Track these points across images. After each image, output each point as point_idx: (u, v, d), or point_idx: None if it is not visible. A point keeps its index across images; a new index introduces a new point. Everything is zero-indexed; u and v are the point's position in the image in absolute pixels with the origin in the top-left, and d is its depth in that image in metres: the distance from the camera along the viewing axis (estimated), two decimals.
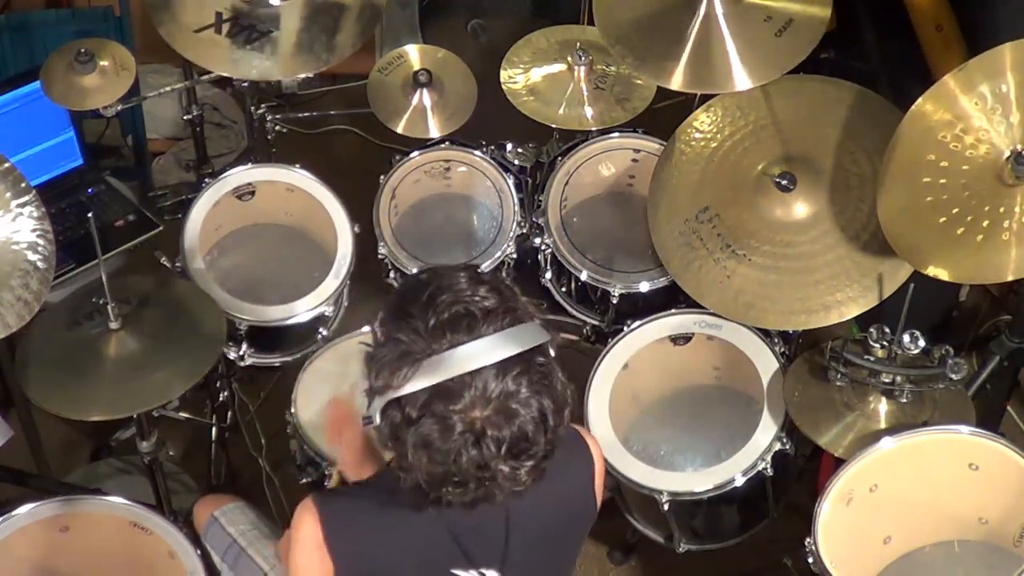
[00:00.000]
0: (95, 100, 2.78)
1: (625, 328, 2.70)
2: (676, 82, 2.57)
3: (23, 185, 2.20)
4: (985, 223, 2.22)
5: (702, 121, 2.76)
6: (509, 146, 3.02)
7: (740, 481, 2.49)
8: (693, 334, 2.68)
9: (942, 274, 2.29)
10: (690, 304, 2.67)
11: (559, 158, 2.94)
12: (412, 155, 2.97)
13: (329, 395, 2.57)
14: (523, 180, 2.98)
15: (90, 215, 2.33)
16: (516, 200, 2.90)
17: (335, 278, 2.77)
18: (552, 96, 2.93)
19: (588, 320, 2.89)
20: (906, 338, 2.36)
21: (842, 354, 2.42)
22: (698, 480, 2.52)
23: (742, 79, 2.55)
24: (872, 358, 2.41)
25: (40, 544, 2.32)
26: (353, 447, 2.06)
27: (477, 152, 2.96)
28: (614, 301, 2.80)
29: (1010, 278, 2.22)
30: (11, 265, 2.13)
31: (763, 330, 2.63)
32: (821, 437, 2.41)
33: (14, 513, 2.27)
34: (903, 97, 2.38)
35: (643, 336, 2.68)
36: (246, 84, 3.02)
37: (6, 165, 2.20)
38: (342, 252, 2.79)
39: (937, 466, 2.22)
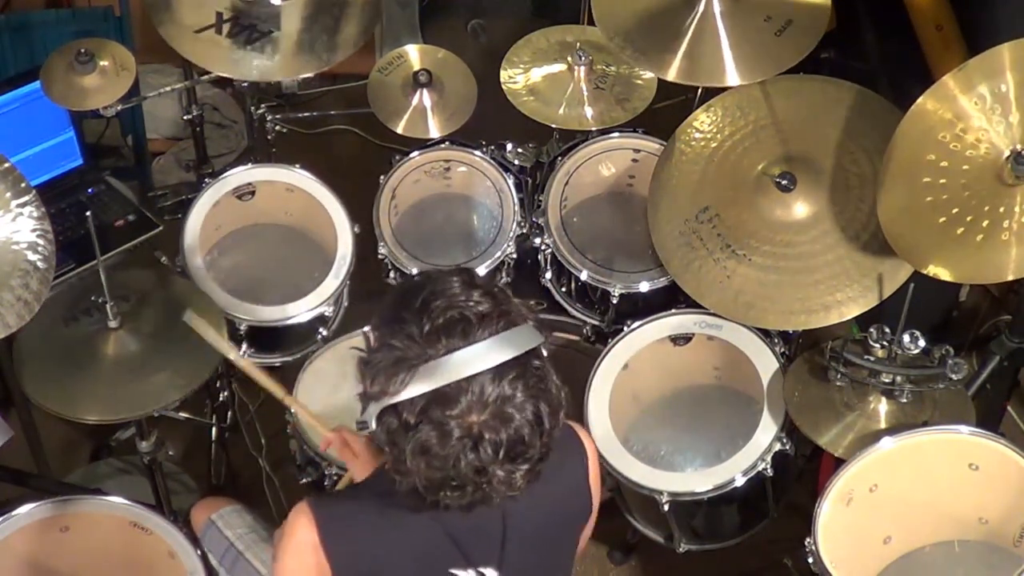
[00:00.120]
0: (95, 100, 2.78)
1: (625, 328, 2.70)
2: (672, 73, 2.60)
3: (23, 185, 2.20)
4: (985, 223, 2.22)
5: (702, 121, 2.76)
6: (509, 146, 3.02)
7: (740, 481, 2.49)
8: (693, 334, 2.68)
9: (942, 274, 2.29)
10: (690, 304, 2.67)
11: (559, 158, 2.94)
12: (412, 155, 2.97)
13: (329, 395, 2.57)
14: (523, 180, 2.98)
15: (89, 215, 2.33)
16: (516, 200, 2.90)
17: (335, 278, 2.77)
18: (552, 96, 2.93)
19: (588, 320, 2.89)
20: (906, 338, 2.36)
21: (842, 354, 2.42)
22: (698, 480, 2.52)
23: (737, 74, 2.58)
24: (872, 358, 2.40)
25: (40, 544, 2.32)
26: (366, 452, 2.06)
27: (477, 152, 2.96)
28: (614, 301, 2.80)
29: (1010, 278, 2.22)
30: (11, 265, 2.13)
31: (763, 330, 2.63)
32: (821, 437, 2.41)
33: (14, 513, 2.27)
34: (903, 97, 2.38)
35: (643, 336, 2.68)
36: (246, 84, 3.02)
37: (6, 165, 2.20)
38: (342, 252, 2.79)
39: (937, 466, 2.22)
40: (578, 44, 2.91)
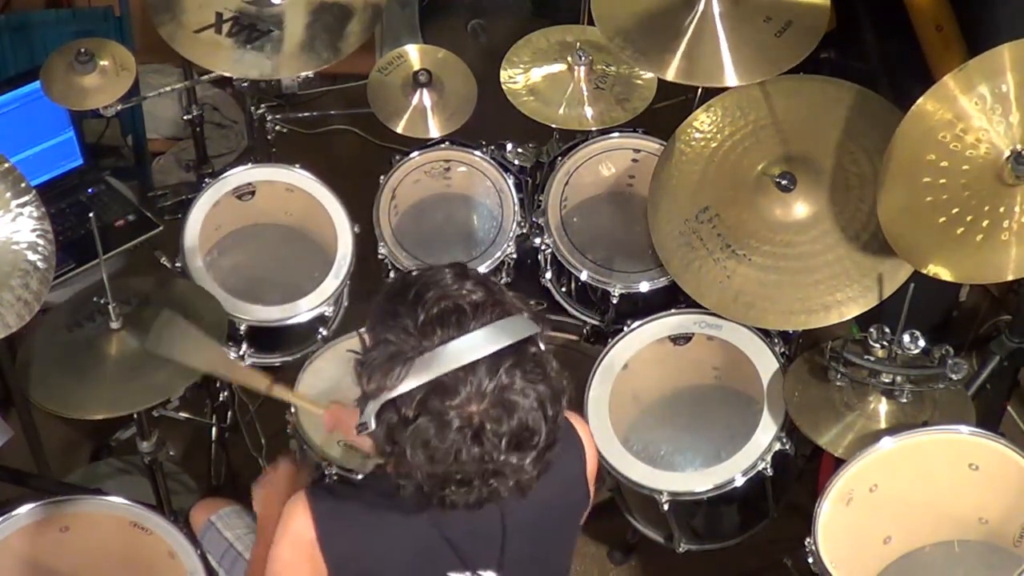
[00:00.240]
0: (95, 100, 2.78)
1: (625, 328, 2.70)
2: (671, 73, 2.60)
3: (23, 185, 2.20)
4: (985, 223, 2.22)
5: (702, 121, 2.76)
6: (509, 146, 3.02)
7: (740, 481, 2.49)
8: (693, 334, 2.68)
9: (942, 274, 2.29)
10: (690, 304, 2.67)
11: (559, 158, 2.94)
12: (412, 155, 2.97)
13: (329, 395, 2.57)
14: (523, 180, 2.98)
15: (91, 215, 2.33)
16: (516, 200, 2.90)
17: (335, 278, 2.77)
18: (552, 96, 2.93)
19: (588, 320, 2.89)
20: (906, 338, 2.36)
21: (842, 354, 2.42)
22: (698, 480, 2.52)
23: (736, 74, 2.58)
24: (872, 358, 2.40)
25: (40, 544, 2.32)
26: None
27: (477, 152, 2.96)
28: (614, 301, 2.80)
29: (1010, 278, 2.22)
30: (11, 265, 2.13)
31: (763, 330, 2.63)
32: (821, 437, 2.41)
33: (14, 513, 2.27)
34: (903, 97, 2.38)
35: (643, 336, 2.68)
36: (246, 84, 3.02)
37: (6, 165, 2.20)
38: (342, 252, 2.79)
39: (937, 466, 2.22)
40: (578, 44, 2.91)
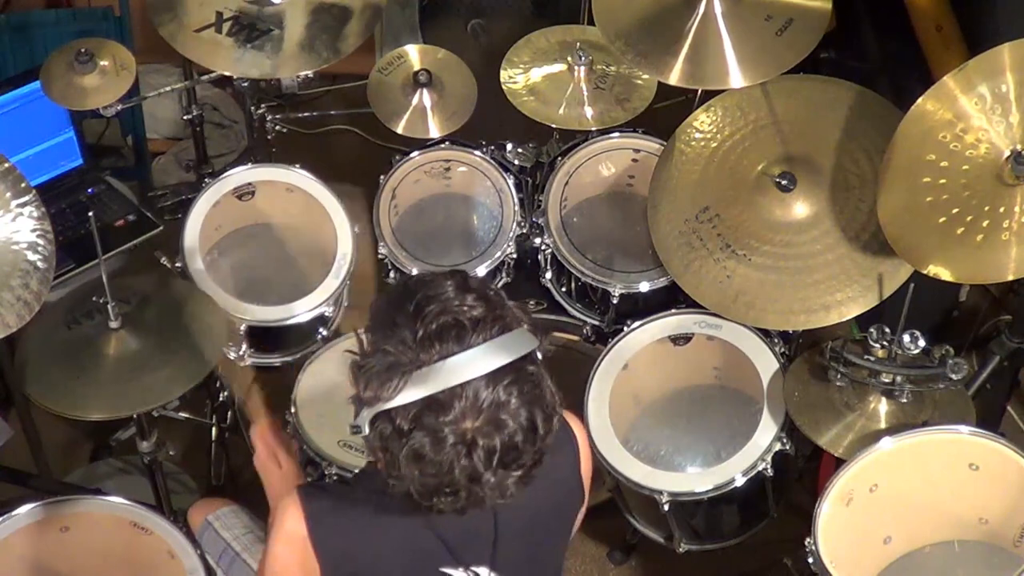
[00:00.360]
0: (95, 100, 2.79)
1: (625, 328, 2.70)
2: (674, 77, 2.59)
3: (23, 185, 2.19)
4: (985, 223, 2.22)
5: (702, 121, 2.76)
6: (509, 146, 3.02)
7: (740, 481, 2.49)
8: (693, 334, 2.68)
9: (942, 274, 2.29)
10: (690, 304, 2.67)
11: (559, 158, 2.94)
12: (412, 155, 2.97)
13: (328, 395, 2.57)
14: (523, 180, 2.98)
15: (91, 215, 2.33)
16: (516, 200, 2.90)
17: (335, 278, 2.77)
18: (552, 96, 2.93)
19: (588, 320, 2.89)
20: (906, 338, 2.36)
21: (842, 354, 2.42)
22: (698, 480, 2.52)
23: (740, 76, 2.57)
24: (872, 358, 2.40)
25: (40, 544, 2.32)
26: (291, 470, 2.08)
27: (477, 152, 2.96)
28: (614, 301, 2.80)
29: (1010, 278, 2.22)
30: (11, 265, 2.13)
31: (763, 330, 2.63)
32: (821, 437, 2.41)
33: (14, 513, 2.26)
34: (903, 97, 2.38)
35: (643, 336, 2.68)
36: (246, 84, 3.02)
37: (6, 165, 2.20)
38: (342, 252, 2.79)
39: (937, 466, 2.22)
40: (578, 44, 2.91)
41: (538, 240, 2.87)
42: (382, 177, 2.94)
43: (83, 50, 2.76)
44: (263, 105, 3.21)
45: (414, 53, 3.01)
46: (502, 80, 2.95)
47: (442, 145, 2.97)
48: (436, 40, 3.41)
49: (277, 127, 3.29)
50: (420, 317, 1.55)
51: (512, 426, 1.55)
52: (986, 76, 2.23)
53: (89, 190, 3.17)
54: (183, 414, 2.87)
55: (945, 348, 2.36)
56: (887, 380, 2.40)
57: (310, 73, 2.89)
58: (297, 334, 2.81)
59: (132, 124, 3.62)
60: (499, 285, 2.91)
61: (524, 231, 2.90)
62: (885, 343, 2.40)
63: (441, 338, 1.54)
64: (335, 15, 2.87)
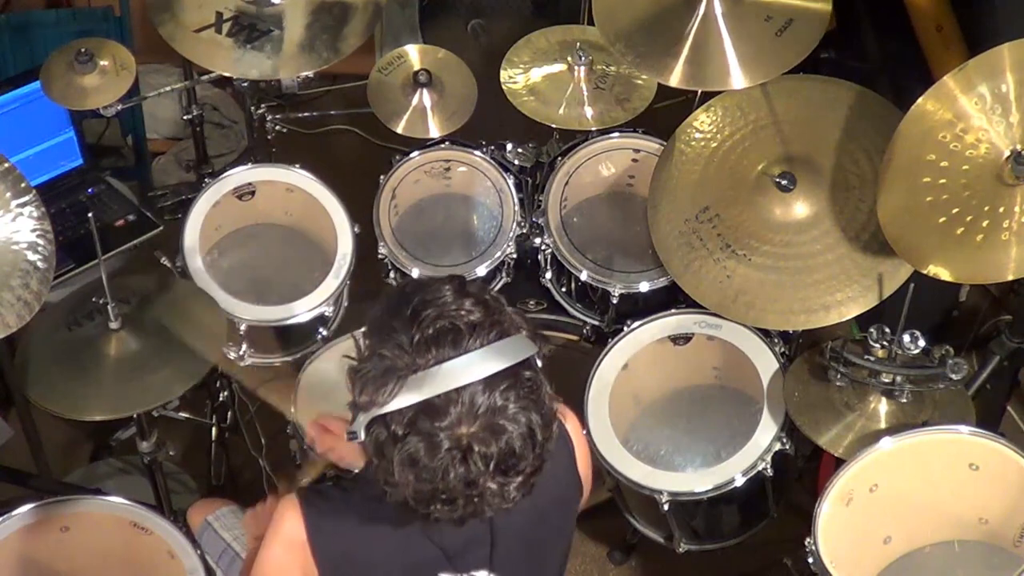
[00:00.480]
0: (95, 100, 2.79)
1: (625, 328, 2.70)
2: (675, 79, 2.59)
3: (23, 185, 2.19)
4: (985, 223, 2.22)
5: (702, 121, 2.76)
6: (509, 146, 3.02)
7: (740, 481, 2.49)
8: (693, 334, 2.68)
9: (942, 274, 2.29)
10: (690, 304, 2.67)
11: (559, 158, 2.94)
12: (412, 155, 2.97)
13: (328, 395, 2.57)
14: (523, 180, 2.98)
15: (90, 215, 2.33)
16: (516, 200, 2.90)
17: (335, 278, 2.77)
18: (552, 96, 2.93)
19: (588, 320, 2.89)
20: (906, 338, 2.36)
21: (842, 354, 2.42)
22: (698, 480, 2.52)
23: (741, 77, 2.57)
24: (872, 358, 2.40)
25: (40, 544, 2.32)
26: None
27: (477, 152, 2.95)
28: (614, 301, 2.80)
29: (1010, 278, 2.22)
30: (11, 265, 2.13)
31: (763, 330, 2.63)
32: (821, 437, 2.41)
33: (14, 513, 2.26)
34: (903, 97, 2.38)
35: (643, 336, 2.68)
36: (246, 84, 3.02)
37: (6, 165, 2.20)
38: (342, 252, 2.79)
39: (937, 466, 2.22)
40: (578, 44, 2.91)
41: (538, 240, 2.87)
42: (382, 177, 2.94)
43: (83, 50, 2.76)
44: (263, 105, 3.21)
45: (414, 53, 3.01)
46: (502, 80, 2.95)
47: (442, 145, 2.97)
48: (436, 40, 3.41)
49: (277, 127, 3.29)
50: (417, 322, 1.54)
51: (510, 432, 1.53)
52: (986, 76, 2.23)
53: (89, 190, 3.17)
54: (183, 414, 2.87)
55: (945, 348, 2.36)
56: (887, 380, 2.40)
57: (310, 73, 2.89)
58: (297, 334, 2.81)
59: (132, 124, 3.62)
60: (499, 285, 2.91)
61: (524, 231, 2.90)
62: (885, 343, 2.40)
63: (437, 343, 1.53)
64: (335, 15, 2.87)
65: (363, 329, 1.62)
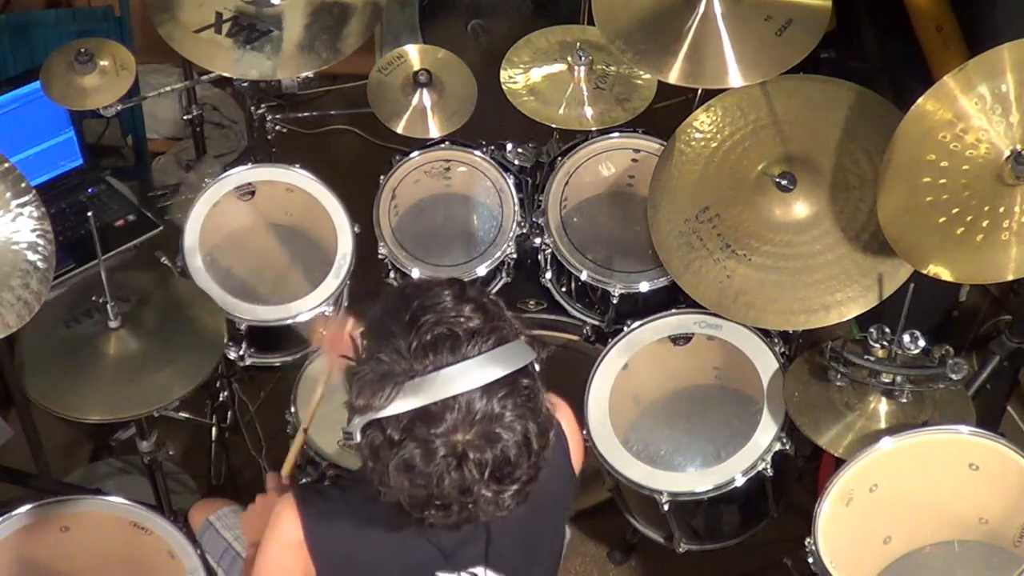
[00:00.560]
0: (95, 100, 2.79)
1: (625, 328, 2.70)
2: (674, 76, 2.59)
3: (23, 185, 2.20)
4: (985, 223, 2.22)
5: (702, 121, 2.76)
6: (509, 146, 3.02)
7: (740, 481, 2.49)
8: (693, 334, 2.68)
9: (942, 274, 2.29)
10: (690, 304, 2.67)
11: (559, 158, 2.93)
12: (412, 155, 2.96)
13: (328, 395, 2.57)
14: (523, 180, 2.98)
15: (90, 215, 2.33)
16: (516, 200, 2.90)
17: (335, 278, 2.77)
18: (552, 96, 2.93)
19: (588, 320, 2.89)
20: (906, 338, 2.36)
21: (842, 354, 2.42)
22: (698, 480, 2.52)
23: (740, 76, 2.57)
24: (872, 358, 2.41)
25: (40, 544, 2.32)
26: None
27: (477, 152, 2.95)
28: (614, 301, 2.79)
29: (1010, 278, 2.22)
30: (11, 265, 2.13)
31: (763, 330, 2.63)
32: (821, 437, 2.41)
33: (14, 513, 2.27)
34: (903, 97, 2.38)
35: (643, 336, 2.68)
36: (246, 84, 3.01)
37: (6, 165, 2.20)
38: (342, 252, 2.79)
39: (937, 466, 2.22)
40: (578, 44, 2.91)
41: (538, 240, 2.87)
42: (382, 177, 2.94)
43: (83, 50, 2.76)
44: (263, 105, 3.21)
45: (414, 53, 3.01)
46: (502, 80, 2.95)
47: (442, 145, 2.97)
48: (436, 40, 3.41)
49: (277, 127, 3.29)
50: (415, 327, 1.54)
51: (505, 440, 1.53)
52: (986, 76, 2.23)
53: (89, 190, 3.17)
54: (183, 414, 2.87)
55: (945, 348, 2.37)
56: (887, 380, 2.40)
57: (310, 73, 2.89)
58: (297, 334, 2.81)
59: (132, 124, 3.62)
60: (499, 285, 2.91)
61: (524, 231, 2.89)
62: (885, 343, 2.40)
63: (435, 349, 1.52)
64: (335, 15, 2.87)
65: (361, 330, 1.62)
